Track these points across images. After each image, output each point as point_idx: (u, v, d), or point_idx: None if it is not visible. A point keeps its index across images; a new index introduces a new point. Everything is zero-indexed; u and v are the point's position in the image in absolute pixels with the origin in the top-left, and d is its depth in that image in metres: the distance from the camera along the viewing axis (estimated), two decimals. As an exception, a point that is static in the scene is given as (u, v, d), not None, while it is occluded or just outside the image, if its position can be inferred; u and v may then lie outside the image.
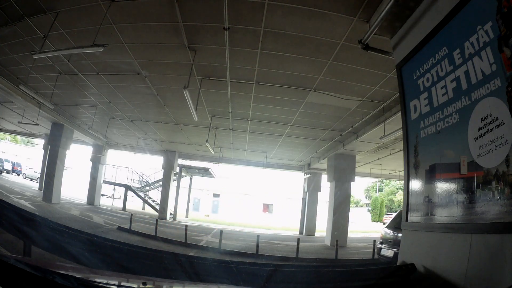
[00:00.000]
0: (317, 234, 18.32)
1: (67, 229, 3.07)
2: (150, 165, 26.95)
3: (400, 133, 4.59)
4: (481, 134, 2.44)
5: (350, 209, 15.46)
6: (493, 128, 2.32)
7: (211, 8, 5.48)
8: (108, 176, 21.86)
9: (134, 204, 25.94)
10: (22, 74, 9.55)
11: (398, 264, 3.39)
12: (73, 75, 9.14)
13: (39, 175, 23.45)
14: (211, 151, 13.96)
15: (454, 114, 2.80)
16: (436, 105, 3.07)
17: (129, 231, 10.68)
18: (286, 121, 11.14)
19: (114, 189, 26.05)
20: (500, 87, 2.29)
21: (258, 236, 9.27)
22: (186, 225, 10.61)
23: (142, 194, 23.09)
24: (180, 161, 21.94)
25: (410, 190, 3.48)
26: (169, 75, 8.45)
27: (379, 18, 4.11)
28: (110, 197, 27.40)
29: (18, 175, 29.06)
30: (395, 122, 8.59)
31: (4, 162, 27.90)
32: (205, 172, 23.95)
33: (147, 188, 23.93)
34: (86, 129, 15.97)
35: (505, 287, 2.00)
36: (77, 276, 1.40)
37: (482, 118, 2.44)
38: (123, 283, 1.73)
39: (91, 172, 19.58)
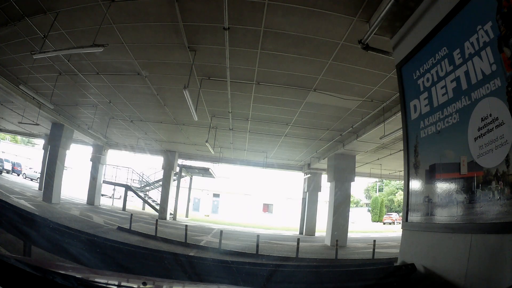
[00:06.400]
0: (317, 234, 18.31)
1: (67, 229, 3.07)
2: (150, 165, 27.01)
3: (400, 133, 4.59)
4: (481, 134, 2.44)
5: (350, 209, 15.47)
6: (493, 128, 2.32)
7: (211, 8, 5.48)
8: (108, 176, 21.89)
9: (134, 204, 25.95)
10: (22, 74, 9.55)
11: (398, 264, 3.39)
12: (73, 75, 9.14)
13: (39, 175, 23.46)
14: (211, 151, 13.95)
15: (454, 114, 2.80)
16: (436, 105, 3.07)
17: (129, 231, 10.68)
18: (286, 121, 11.14)
19: (114, 189, 26.05)
20: (500, 87, 2.29)
21: (258, 236, 9.27)
22: (186, 225, 10.60)
23: (142, 194, 23.10)
24: (180, 161, 21.94)
25: (410, 190, 3.47)
26: (169, 75, 8.45)
27: (379, 18, 4.11)
28: (110, 197, 27.40)
29: (18, 175, 29.06)
30: (395, 122, 8.59)
31: (4, 162, 27.90)
32: (205, 172, 23.95)
33: (147, 188, 23.93)
34: (86, 129, 15.97)
35: (505, 287, 2.00)
36: (77, 276, 1.40)
37: (482, 118, 2.44)
38: (123, 283, 1.73)
39: (91, 172, 19.59)
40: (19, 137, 39.78)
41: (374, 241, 9.63)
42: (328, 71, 7.15)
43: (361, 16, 5.13)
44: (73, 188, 23.16)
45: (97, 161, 19.45)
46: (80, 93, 10.80)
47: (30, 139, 39.01)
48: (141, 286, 1.52)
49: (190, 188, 26.97)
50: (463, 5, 2.76)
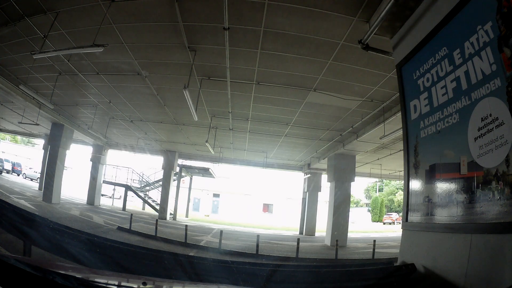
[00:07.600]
0: (317, 234, 18.31)
1: (67, 229, 3.07)
2: (150, 165, 27.02)
3: (400, 133, 4.59)
4: (481, 134, 2.44)
5: (350, 209, 15.46)
6: (493, 128, 2.32)
7: (211, 8, 5.48)
8: (108, 176, 21.89)
9: (134, 204, 25.95)
10: (22, 74, 9.55)
11: (398, 264, 3.39)
12: (73, 75, 9.14)
13: (39, 175, 23.46)
14: (211, 151, 13.96)
15: (454, 114, 2.80)
16: (436, 105, 3.07)
17: (129, 231, 10.67)
18: (286, 121, 11.14)
19: (114, 189, 26.05)
20: (500, 87, 2.29)
21: (258, 236, 9.26)
22: (186, 225, 10.60)
23: (142, 194, 23.10)
24: (180, 161, 21.94)
25: (410, 190, 3.47)
26: (169, 75, 8.45)
27: (379, 18, 4.11)
28: (110, 197, 27.41)
29: (18, 175, 29.07)
30: (395, 122, 8.59)
31: (4, 162, 27.91)
32: (205, 172, 23.95)
33: (147, 188, 23.94)
34: (86, 129, 15.97)
35: (505, 287, 2.00)
36: (77, 276, 1.40)
37: (482, 118, 2.44)
38: (123, 283, 1.73)
39: (91, 172, 19.59)
40: (19, 137, 39.79)
41: (374, 241, 9.62)
42: (328, 71, 7.15)
43: (361, 16, 5.13)
44: (73, 188, 23.16)
45: (97, 161, 19.45)
46: (80, 93, 10.80)
47: (30, 139, 39.00)
48: (141, 286, 1.52)
49: (190, 188, 26.97)
50: (463, 5, 2.76)
